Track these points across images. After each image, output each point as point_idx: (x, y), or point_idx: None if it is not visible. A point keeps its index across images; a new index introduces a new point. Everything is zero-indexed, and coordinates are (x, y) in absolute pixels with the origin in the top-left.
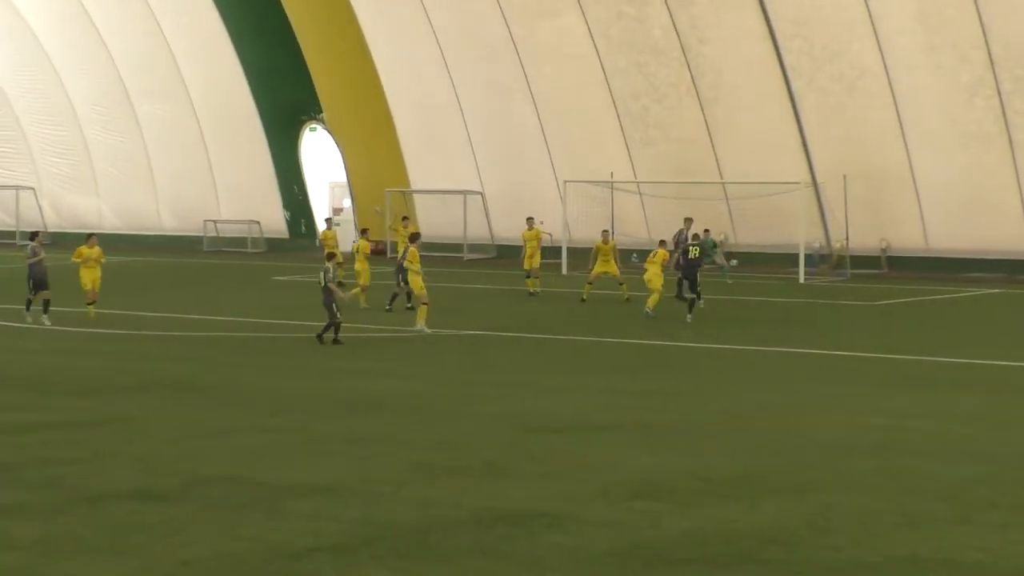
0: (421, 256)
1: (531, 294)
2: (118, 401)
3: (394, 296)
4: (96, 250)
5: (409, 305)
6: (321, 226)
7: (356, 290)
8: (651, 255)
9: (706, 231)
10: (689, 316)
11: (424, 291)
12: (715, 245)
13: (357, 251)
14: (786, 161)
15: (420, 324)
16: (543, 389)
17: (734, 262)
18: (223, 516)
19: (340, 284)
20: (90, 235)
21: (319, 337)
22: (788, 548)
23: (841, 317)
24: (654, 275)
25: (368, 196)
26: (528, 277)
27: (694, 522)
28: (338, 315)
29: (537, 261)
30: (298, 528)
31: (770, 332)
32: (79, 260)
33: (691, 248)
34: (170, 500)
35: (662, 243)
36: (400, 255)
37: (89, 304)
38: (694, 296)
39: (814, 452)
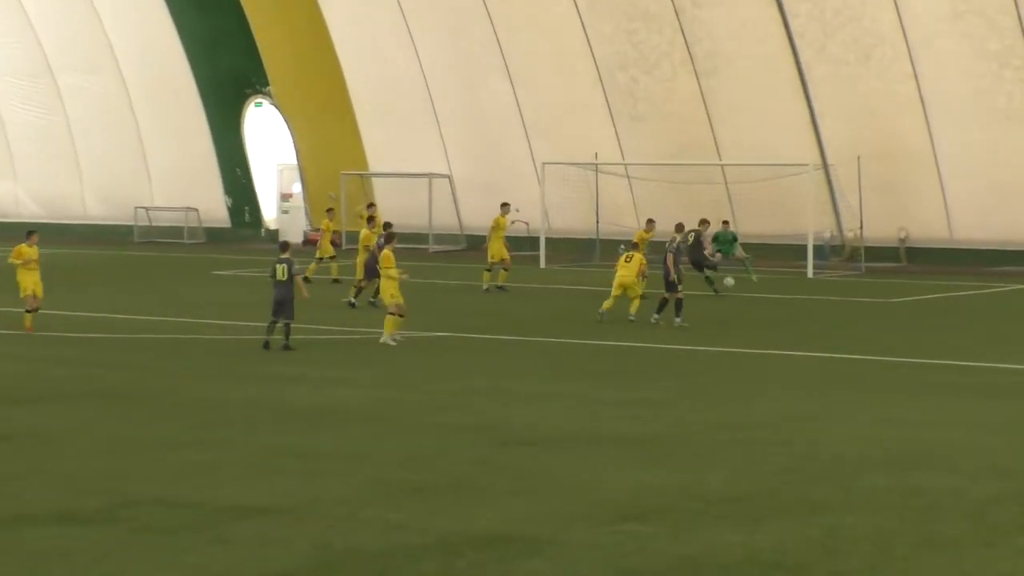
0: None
1: (490, 289)
2: (37, 412)
3: (359, 289)
4: (35, 249)
5: (372, 300)
6: (274, 215)
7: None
8: (627, 256)
9: (724, 223)
10: (677, 319)
11: (398, 300)
12: (735, 239)
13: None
14: (793, 140)
15: (387, 336)
16: (517, 397)
17: (718, 255)
18: (156, 542)
19: (307, 280)
20: (31, 232)
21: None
22: (794, 575)
23: (854, 316)
24: (632, 277)
25: (321, 180)
26: (489, 271)
27: (688, 547)
28: (293, 316)
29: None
30: (242, 555)
31: (774, 333)
32: (19, 262)
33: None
34: (96, 524)
35: (634, 245)
36: (374, 248)
37: (29, 312)
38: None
39: (823, 467)
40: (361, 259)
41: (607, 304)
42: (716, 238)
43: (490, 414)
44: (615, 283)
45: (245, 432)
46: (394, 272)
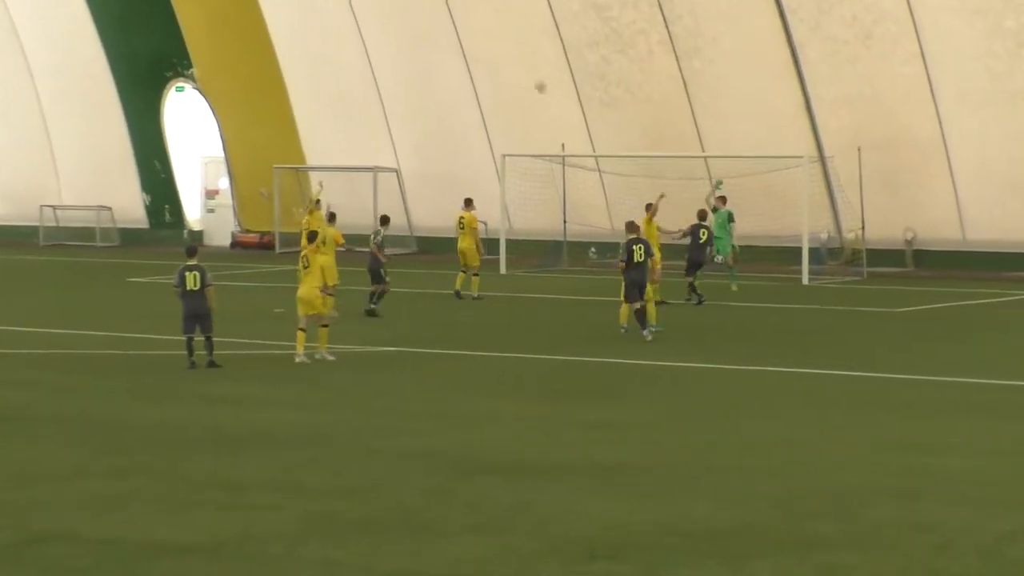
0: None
1: (475, 297)
2: None
3: (379, 295)
4: None
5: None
6: (198, 214)
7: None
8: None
9: (721, 198)
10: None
11: (325, 309)
12: (731, 219)
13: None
14: (785, 130)
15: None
16: (473, 420)
17: (719, 257)
18: None
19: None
20: None
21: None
22: None
23: (855, 327)
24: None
25: (251, 175)
26: (476, 275)
27: None
28: (212, 329)
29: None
30: None
31: (764, 347)
32: None
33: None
34: None
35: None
36: (372, 246)
37: None
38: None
39: (821, 498)
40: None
41: (627, 313)
42: (714, 210)
43: (442, 438)
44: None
45: (164, 459)
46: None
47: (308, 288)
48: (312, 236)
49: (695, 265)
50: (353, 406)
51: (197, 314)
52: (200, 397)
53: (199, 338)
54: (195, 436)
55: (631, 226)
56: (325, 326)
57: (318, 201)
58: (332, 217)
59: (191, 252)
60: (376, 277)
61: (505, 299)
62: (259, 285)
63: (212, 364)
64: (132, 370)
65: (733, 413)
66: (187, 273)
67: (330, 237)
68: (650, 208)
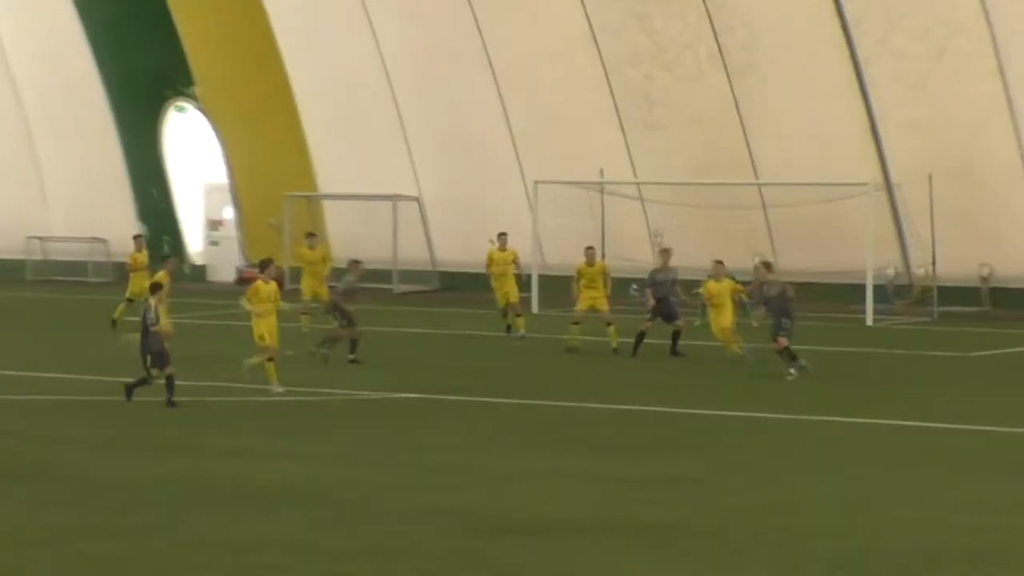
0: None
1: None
2: None
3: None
4: None
5: (352, 356)
6: (200, 247)
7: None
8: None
9: (718, 263)
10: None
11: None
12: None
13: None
14: (848, 154)
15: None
16: (502, 475)
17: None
18: None
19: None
20: None
21: (128, 391)
22: None
23: (924, 374)
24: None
25: (259, 204)
26: (509, 315)
27: None
28: (163, 367)
29: (515, 293)
30: None
31: (823, 395)
32: None
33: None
34: None
35: (719, 263)
36: (343, 287)
37: None
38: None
39: (885, 564)
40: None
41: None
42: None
43: (468, 495)
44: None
45: (163, 518)
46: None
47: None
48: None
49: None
50: (369, 459)
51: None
52: (202, 449)
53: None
54: (196, 492)
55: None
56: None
57: (310, 235)
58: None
59: (152, 289)
60: (347, 317)
61: (538, 341)
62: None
63: (170, 404)
64: (126, 419)
65: (789, 468)
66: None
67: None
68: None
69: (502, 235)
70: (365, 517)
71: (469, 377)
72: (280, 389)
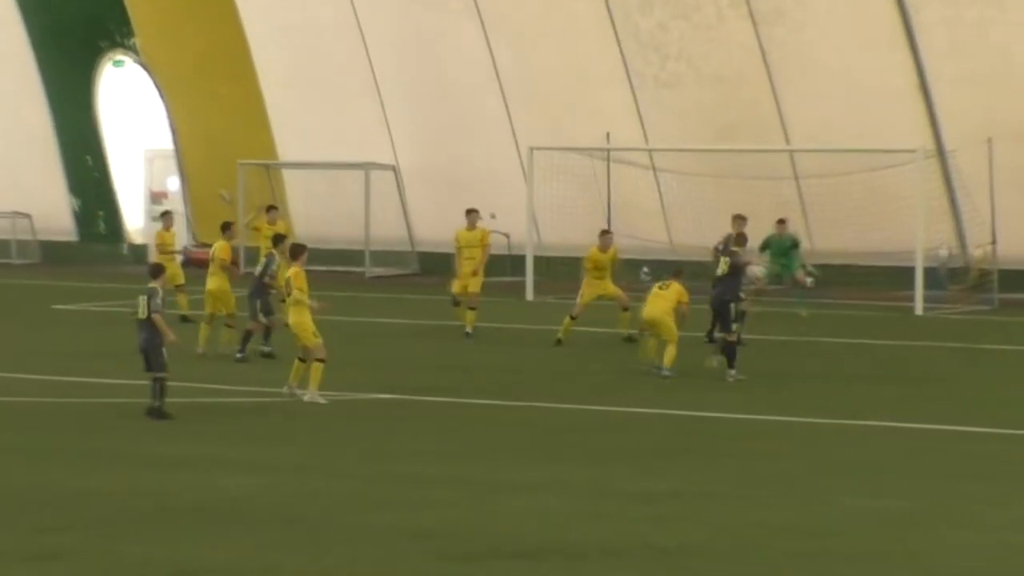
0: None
1: (467, 334)
2: None
3: (248, 335)
4: None
5: (267, 349)
6: (142, 223)
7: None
8: (661, 284)
9: (780, 222)
10: (731, 372)
11: (317, 340)
12: (796, 244)
13: (213, 259)
14: (894, 116)
15: (312, 391)
16: (491, 488)
17: (811, 280)
18: None
19: (185, 318)
20: None
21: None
22: None
23: (981, 370)
24: (664, 314)
25: (209, 173)
26: (457, 305)
27: None
28: (164, 368)
29: (478, 281)
30: None
31: (863, 395)
32: None
33: (723, 261)
34: None
35: (677, 273)
36: (261, 269)
37: None
38: (728, 337)
39: None
40: (217, 284)
41: (647, 350)
42: (767, 244)
43: (452, 512)
44: (642, 319)
45: (104, 538)
46: (306, 297)
47: (295, 318)
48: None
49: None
50: (334, 470)
51: (144, 348)
52: (148, 459)
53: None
54: (141, 508)
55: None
56: (320, 360)
57: (270, 208)
58: (226, 227)
59: (153, 272)
60: (267, 307)
61: (534, 333)
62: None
63: (160, 414)
64: (60, 424)
65: (821, 480)
66: (140, 297)
67: (217, 253)
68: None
69: (471, 212)
70: (330, 537)
71: (451, 375)
72: (322, 399)
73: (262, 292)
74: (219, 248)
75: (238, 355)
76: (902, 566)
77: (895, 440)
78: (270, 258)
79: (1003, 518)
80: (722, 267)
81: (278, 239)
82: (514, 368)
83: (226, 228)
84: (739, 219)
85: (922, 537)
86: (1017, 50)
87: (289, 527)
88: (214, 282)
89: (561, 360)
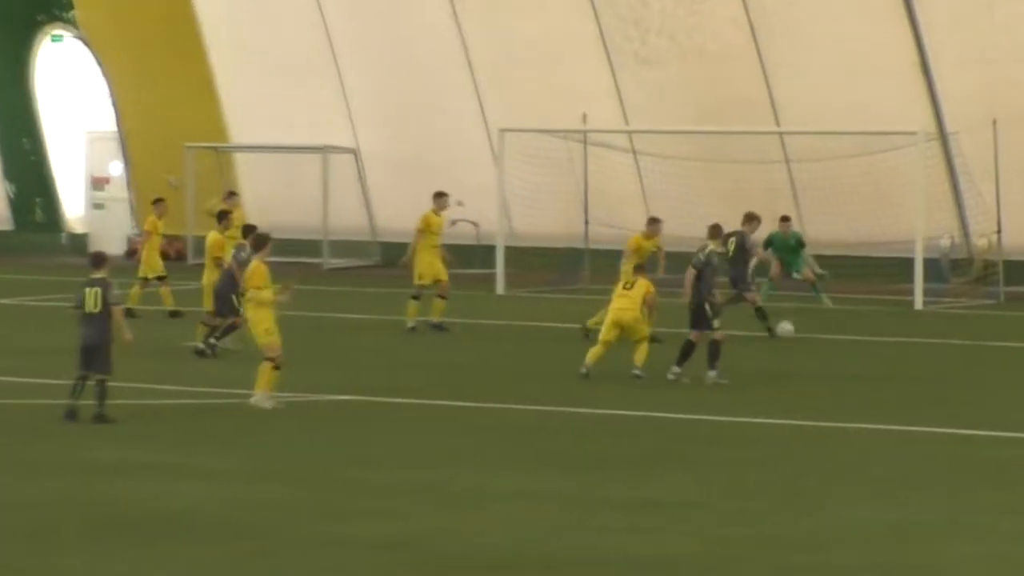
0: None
1: (436, 326)
2: None
3: (229, 328)
4: None
5: (223, 344)
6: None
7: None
8: (626, 284)
9: (784, 219)
10: (712, 374)
11: (273, 339)
12: (800, 244)
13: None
14: (892, 96)
15: (258, 394)
16: (461, 497)
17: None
18: None
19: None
20: None
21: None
22: None
23: (986, 370)
24: (634, 318)
25: (155, 157)
26: (416, 298)
27: None
28: (109, 369)
29: (442, 270)
30: None
31: (859, 397)
32: None
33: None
34: None
35: (639, 268)
36: (232, 260)
37: None
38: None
39: None
40: (209, 278)
41: (593, 354)
42: (771, 242)
43: (420, 523)
44: (607, 321)
45: (40, 553)
46: (268, 294)
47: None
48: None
49: (737, 284)
50: (293, 477)
51: (91, 345)
52: (90, 466)
53: (90, 381)
54: (85, 520)
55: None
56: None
57: (231, 194)
58: (222, 216)
59: (96, 262)
60: (226, 304)
61: (503, 329)
62: (165, 310)
63: (100, 418)
64: None
65: (817, 489)
66: (88, 289)
67: (210, 245)
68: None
69: (442, 195)
70: (285, 550)
71: (418, 375)
72: (267, 404)
73: (235, 284)
74: (212, 241)
75: (201, 346)
76: None
77: (894, 445)
78: (240, 248)
79: (1012, 529)
80: (731, 249)
81: (248, 230)
82: (485, 367)
83: (222, 218)
84: (752, 219)
85: (925, 550)
86: (1023, 27)
87: (241, 540)
88: (209, 276)
89: (536, 358)
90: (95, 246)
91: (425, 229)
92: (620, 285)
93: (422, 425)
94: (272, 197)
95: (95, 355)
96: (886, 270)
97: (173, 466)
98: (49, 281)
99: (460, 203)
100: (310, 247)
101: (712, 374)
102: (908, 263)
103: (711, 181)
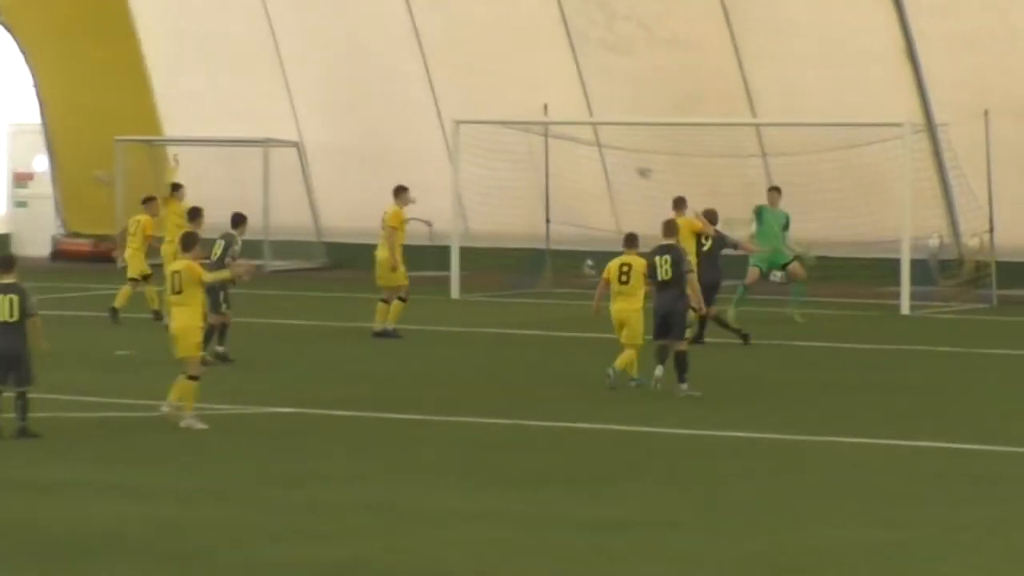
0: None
1: (388, 332)
2: None
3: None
4: None
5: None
6: (3, 209)
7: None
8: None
9: (773, 190)
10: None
11: (199, 354)
12: (786, 224)
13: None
14: (876, 84)
15: (172, 404)
16: (416, 517)
17: (777, 275)
18: None
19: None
20: None
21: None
22: None
23: (978, 379)
24: (634, 314)
25: (83, 151)
26: (385, 301)
27: None
28: (31, 381)
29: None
30: None
31: (845, 408)
32: None
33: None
34: None
35: (630, 239)
36: (220, 252)
37: None
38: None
39: None
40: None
41: (624, 360)
42: (759, 215)
43: (369, 545)
44: (615, 321)
45: None
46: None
47: (182, 320)
48: (188, 241)
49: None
50: (231, 495)
51: (9, 356)
52: (8, 484)
53: (9, 393)
54: (3, 540)
55: (669, 227)
56: (193, 378)
57: (176, 186)
58: (194, 214)
59: (6, 265)
60: (213, 303)
61: (458, 336)
62: (93, 315)
63: (24, 433)
64: None
65: (798, 507)
66: (2, 296)
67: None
68: (681, 204)
69: (405, 189)
70: (222, 574)
71: (365, 385)
72: (199, 424)
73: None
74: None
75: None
76: None
77: (880, 459)
78: (229, 238)
79: (1004, 548)
80: (707, 245)
81: (194, 213)
82: (439, 377)
83: (146, 201)
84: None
85: (913, 571)
86: (1016, 9)
87: (172, 564)
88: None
89: (494, 367)
90: (17, 247)
91: (399, 226)
92: (616, 278)
93: (371, 439)
94: (209, 194)
95: (13, 367)
96: (870, 272)
97: (99, 484)
98: None
99: (412, 200)
100: (250, 248)
101: (683, 387)
102: (894, 264)
103: (682, 177)
